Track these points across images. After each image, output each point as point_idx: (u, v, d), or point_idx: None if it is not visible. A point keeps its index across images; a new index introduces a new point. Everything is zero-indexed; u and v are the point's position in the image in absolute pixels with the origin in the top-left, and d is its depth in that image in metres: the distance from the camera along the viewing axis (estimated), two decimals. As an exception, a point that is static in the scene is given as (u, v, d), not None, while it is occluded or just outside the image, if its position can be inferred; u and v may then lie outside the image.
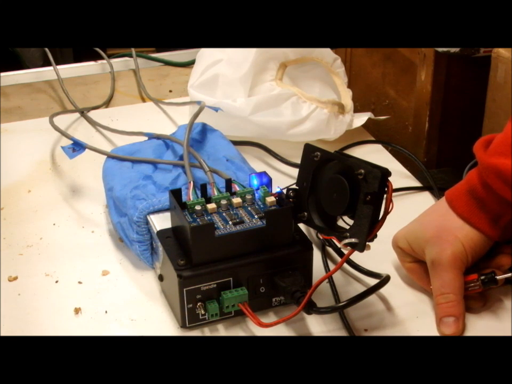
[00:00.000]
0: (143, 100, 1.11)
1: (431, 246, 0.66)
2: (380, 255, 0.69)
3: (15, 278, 0.72)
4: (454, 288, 0.65)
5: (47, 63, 1.16)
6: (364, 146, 0.94)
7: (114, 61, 1.20)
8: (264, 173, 0.69)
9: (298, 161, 0.66)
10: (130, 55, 1.20)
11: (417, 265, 0.69)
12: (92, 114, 1.04)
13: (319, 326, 0.65)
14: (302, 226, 0.68)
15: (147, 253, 0.71)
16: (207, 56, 0.94)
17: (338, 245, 0.63)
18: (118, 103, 1.09)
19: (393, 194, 0.60)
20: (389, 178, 0.60)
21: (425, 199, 0.84)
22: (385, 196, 0.60)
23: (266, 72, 0.91)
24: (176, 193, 0.66)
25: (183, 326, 0.65)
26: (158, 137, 0.84)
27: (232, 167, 0.77)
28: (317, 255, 0.72)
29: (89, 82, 1.17)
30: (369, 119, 0.95)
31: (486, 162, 0.64)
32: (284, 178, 0.87)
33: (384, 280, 0.64)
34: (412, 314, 0.67)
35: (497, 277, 0.65)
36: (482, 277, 0.65)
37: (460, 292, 0.65)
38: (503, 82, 0.81)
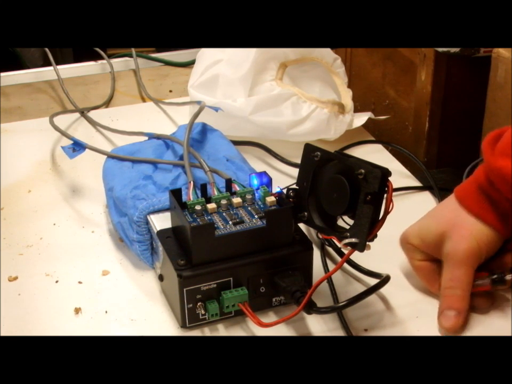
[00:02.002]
0: (143, 100, 1.11)
1: (447, 239, 0.66)
2: (380, 255, 0.68)
3: (15, 278, 0.72)
4: (463, 283, 0.64)
5: (47, 63, 1.16)
6: (364, 146, 0.94)
7: (114, 61, 1.20)
8: (264, 173, 0.69)
9: (298, 161, 0.66)
10: (130, 55, 1.20)
11: (426, 263, 0.68)
12: (92, 114, 1.04)
13: (319, 326, 0.65)
14: (302, 226, 0.68)
15: (147, 253, 0.71)
16: (207, 56, 0.94)
17: (339, 245, 0.63)
18: (118, 103, 1.09)
19: (393, 194, 0.60)
20: (389, 178, 0.60)
21: (425, 199, 0.84)
22: (385, 195, 0.60)
23: (266, 72, 0.91)
24: (176, 193, 0.66)
25: (183, 326, 0.65)
26: (158, 137, 0.84)
27: (232, 167, 0.77)
28: (317, 255, 0.72)
29: (89, 82, 1.17)
30: (369, 119, 0.95)
31: (491, 164, 0.63)
32: (284, 178, 0.87)
33: (384, 280, 0.64)
34: (412, 314, 0.67)
35: (507, 278, 0.65)
36: (494, 276, 0.65)
37: (468, 288, 0.65)
38: (503, 82, 0.81)
